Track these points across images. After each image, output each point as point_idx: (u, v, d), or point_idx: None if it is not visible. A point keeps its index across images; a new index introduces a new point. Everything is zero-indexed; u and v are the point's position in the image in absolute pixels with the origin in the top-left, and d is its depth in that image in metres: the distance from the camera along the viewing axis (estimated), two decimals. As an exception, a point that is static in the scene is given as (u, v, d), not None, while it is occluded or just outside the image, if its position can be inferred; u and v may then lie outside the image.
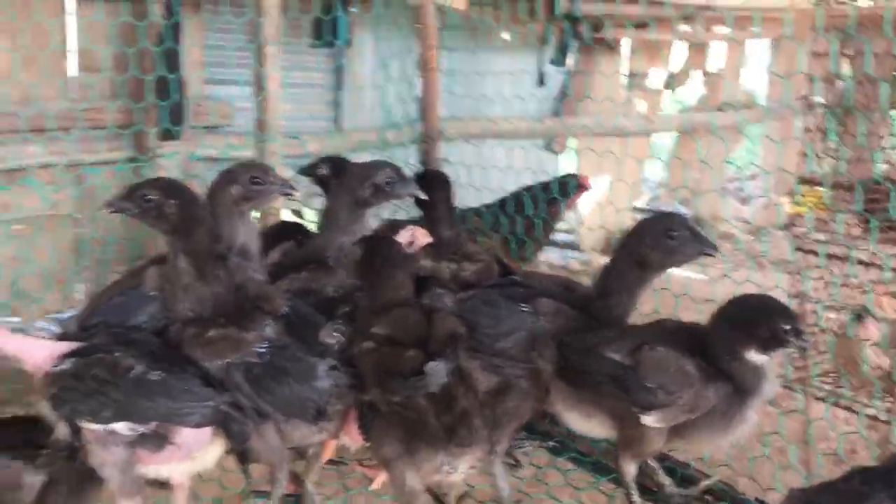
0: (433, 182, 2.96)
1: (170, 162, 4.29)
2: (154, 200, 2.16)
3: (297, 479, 2.50)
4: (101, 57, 4.21)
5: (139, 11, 4.10)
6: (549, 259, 5.64)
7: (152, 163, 4.23)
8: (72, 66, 4.25)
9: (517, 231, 3.68)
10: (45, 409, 2.11)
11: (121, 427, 2.04)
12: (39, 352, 2.09)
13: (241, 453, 2.30)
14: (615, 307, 2.41)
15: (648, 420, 2.21)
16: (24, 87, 4.04)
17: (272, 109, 4.18)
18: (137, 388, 2.03)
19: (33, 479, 2.14)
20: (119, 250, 4.17)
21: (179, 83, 4.16)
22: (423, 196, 2.71)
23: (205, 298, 2.18)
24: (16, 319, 4.51)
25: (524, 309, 2.37)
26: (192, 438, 2.10)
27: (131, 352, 2.08)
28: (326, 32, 4.66)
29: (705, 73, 7.14)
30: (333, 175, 2.99)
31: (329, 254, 2.50)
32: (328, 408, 2.17)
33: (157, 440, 2.07)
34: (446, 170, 3.50)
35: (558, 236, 5.93)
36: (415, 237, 2.47)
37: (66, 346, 2.10)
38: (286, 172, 3.25)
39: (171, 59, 4.13)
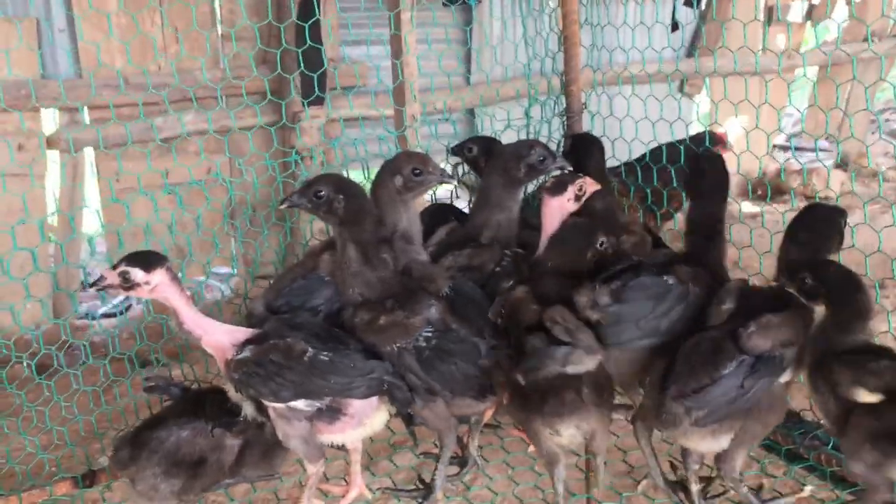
0: (585, 148, 2.97)
1: (313, 125, 4.44)
2: (324, 196, 2.32)
3: (460, 442, 2.64)
4: (248, 26, 4.36)
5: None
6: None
7: (297, 127, 4.39)
8: (220, 38, 4.43)
9: (656, 191, 3.46)
10: (230, 390, 2.33)
11: (300, 404, 2.26)
12: (221, 337, 2.29)
13: (406, 416, 2.48)
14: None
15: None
16: (178, 60, 4.26)
17: (409, 69, 4.24)
18: (311, 369, 2.22)
19: (232, 443, 2.41)
20: (266, 212, 4.39)
21: (321, 50, 4.26)
22: (570, 168, 2.69)
23: (372, 283, 2.34)
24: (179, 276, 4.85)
25: (670, 282, 2.31)
26: (362, 408, 2.31)
27: (301, 336, 2.26)
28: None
29: (848, 2, 6.68)
30: (482, 155, 3.09)
31: (486, 231, 2.59)
32: (491, 383, 2.32)
33: (332, 413, 2.29)
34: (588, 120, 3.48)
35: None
36: (584, 187, 2.49)
37: (243, 334, 2.30)
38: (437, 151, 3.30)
39: (314, 29, 4.23)
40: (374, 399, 2.32)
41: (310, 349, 2.23)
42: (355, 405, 2.29)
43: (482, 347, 2.30)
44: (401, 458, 2.96)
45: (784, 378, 2.17)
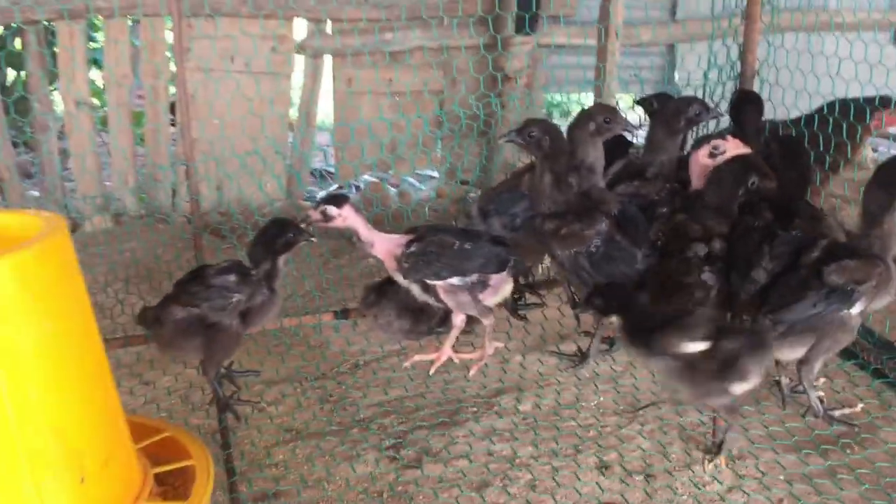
0: (742, 107, 3.41)
1: (522, 49, 4.90)
2: (535, 136, 3.00)
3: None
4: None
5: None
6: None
7: (507, 52, 4.86)
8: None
9: (823, 149, 3.39)
10: (399, 278, 3.07)
11: (455, 280, 3.02)
12: (388, 244, 3.03)
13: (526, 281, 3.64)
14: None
15: None
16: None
17: (615, 2, 4.59)
18: (459, 255, 3.00)
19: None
20: (470, 125, 4.95)
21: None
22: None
23: (558, 202, 3.03)
24: (390, 173, 5.58)
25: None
26: (498, 279, 3.10)
27: (448, 233, 3.06)
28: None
29: None
30: (659, 106, 3.62)
31: (651, 168, 3.20)
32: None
33: (481, 285, 3.07)
34: (766, 72, 3.74)
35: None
36: (720, 146, 3.00)
37: (404, 238, 3.04)
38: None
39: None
40: (504, 273, 3.09)
41: (456, 241, 3.00)
42: (494, 278, 3.07)
43: (638, 255, 2.95)
44: (565, 346, 3.51)
45: (855, 309, 2.59)
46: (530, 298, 3.73)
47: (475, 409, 3.05)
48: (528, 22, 4.77)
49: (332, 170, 5.83)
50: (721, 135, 3.13)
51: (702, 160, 3.02)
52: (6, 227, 1.99)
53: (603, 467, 2.69)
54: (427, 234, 3.03)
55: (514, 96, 4.95)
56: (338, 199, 2.98)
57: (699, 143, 3.07)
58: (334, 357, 3.44)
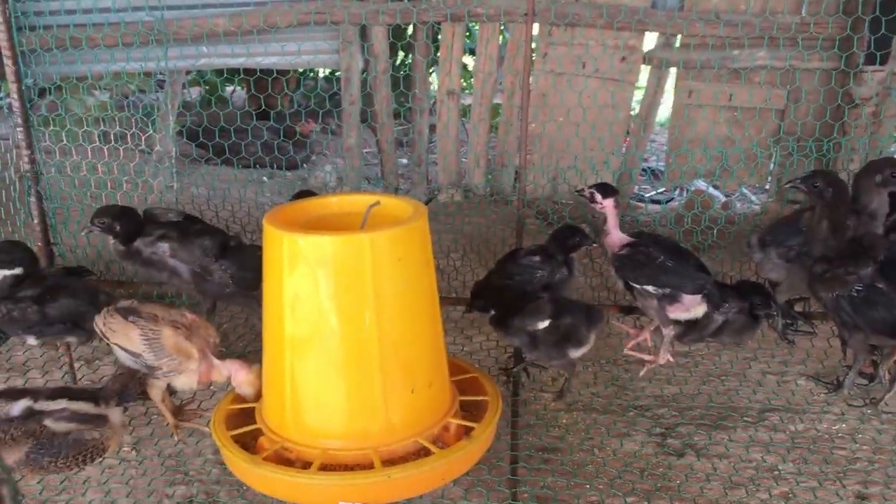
0: None
1: (873, 77, 4.76)
2: (819, 187, 3.21)
3: (874, 363, 3.48)
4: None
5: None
6: None
7: (857, 79, 4.77)
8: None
9: None
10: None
11: (649, 288, 3.37)
12: (616, 240, 3.49)
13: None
14: None
15: None
16: (765, 1, 4.92)
17: None
18: (659, 267, 3.34)
19: None
20: (816, 146, 4.94)
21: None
22: None
23: (832, 246, 3.22)
24: (715, 186, 5.76)
25: None
26: (689, 300, 3.36)
27: (659, 248, 3.39)
28: None
29: None
30: None
31: None
32: None
33: (672, 298, 3.36)
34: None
35: None
36: None
37: (626, 240, 3.47)
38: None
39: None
40: (698, 297, 3.34)
41: (661, 256, 3.34)
42: (685, 297, 3.34)
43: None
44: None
45: None
46: (802, 326, 3.84)
47: (749, 418, 3.30)
48: (879, 57, 4.65)
49: (663, 169, 6.13)
50: None
51: None
52: (388, 207, 2.74)
53: (862, 497, 2.81)
54: (641, 242, 3.44)
55: (857, 124, 4.85)
56: (607, 189, 3.54)
57: None
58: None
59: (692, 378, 3.63)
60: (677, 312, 3.42)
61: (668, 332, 3.47)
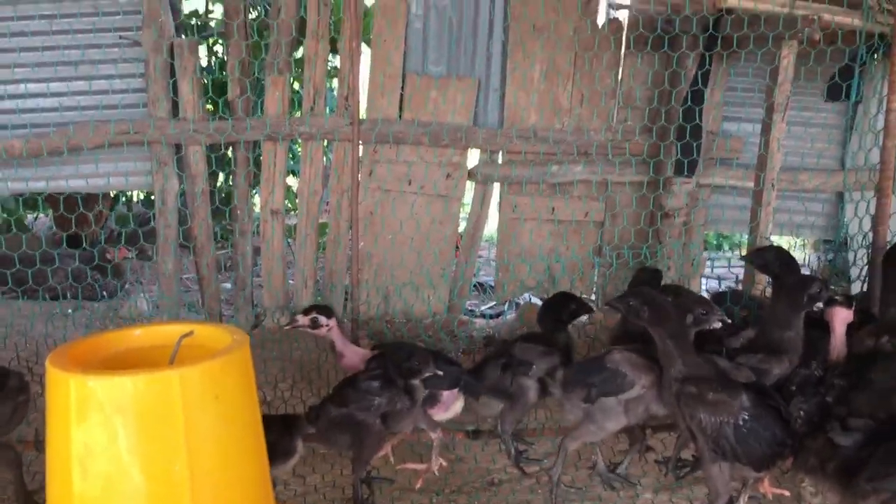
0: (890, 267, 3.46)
1: (682, 189, 5.05)
2: (634, 306, 2.91)
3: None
4: (638, 96, 5.12)
5: (674, 61, 4.90)
6: None
7: (667, 190, 5.04)
8: (616, 106, 5.23)
9: None
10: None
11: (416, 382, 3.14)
12: (356, 357, 3.47)
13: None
14: None
15: None
16: (579, 120, 5.15)
17: (773, 150, 4.70)
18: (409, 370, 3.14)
19: None
20: (633, 254, 5.12)
21: (699, 126, 4.86)
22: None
23: (700, 364, 2.90)
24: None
25: None
26: (449, 396, 3.29)
27: (406, 352, 3.20)
28: (841, 95, 5.02)
29: None
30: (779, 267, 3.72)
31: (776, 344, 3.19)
32: (780, 459, 2.85)
33: (432, 399, 3.25)
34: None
35: None
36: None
37: (369, 354, 3.43)
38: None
39: (695, 104, 4.84)
40: (455, 391, 3.28)
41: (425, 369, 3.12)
42: (445, 394, 3.26)
43: (778, 434, 2.78)
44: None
45: None
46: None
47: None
48: (686, 166, 4.95)
49: (493, 283, 6.14)
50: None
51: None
52: (203, 337, 2.41)
53: None
54: (388, 351, 3.29)
55: (671, 232, 5.10)
56: (327, 310, 3.46)
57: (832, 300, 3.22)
58: (466, 473, 3.62)
59: (546, 498, 3.44)
60: (439, 413, 3.32)
61: (436, 435, 3.33)
